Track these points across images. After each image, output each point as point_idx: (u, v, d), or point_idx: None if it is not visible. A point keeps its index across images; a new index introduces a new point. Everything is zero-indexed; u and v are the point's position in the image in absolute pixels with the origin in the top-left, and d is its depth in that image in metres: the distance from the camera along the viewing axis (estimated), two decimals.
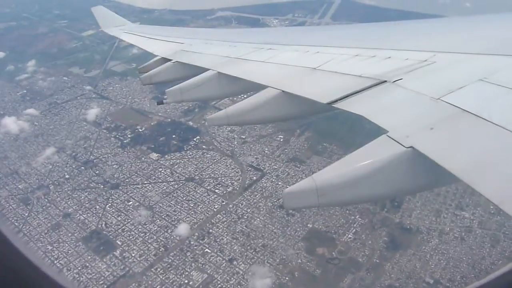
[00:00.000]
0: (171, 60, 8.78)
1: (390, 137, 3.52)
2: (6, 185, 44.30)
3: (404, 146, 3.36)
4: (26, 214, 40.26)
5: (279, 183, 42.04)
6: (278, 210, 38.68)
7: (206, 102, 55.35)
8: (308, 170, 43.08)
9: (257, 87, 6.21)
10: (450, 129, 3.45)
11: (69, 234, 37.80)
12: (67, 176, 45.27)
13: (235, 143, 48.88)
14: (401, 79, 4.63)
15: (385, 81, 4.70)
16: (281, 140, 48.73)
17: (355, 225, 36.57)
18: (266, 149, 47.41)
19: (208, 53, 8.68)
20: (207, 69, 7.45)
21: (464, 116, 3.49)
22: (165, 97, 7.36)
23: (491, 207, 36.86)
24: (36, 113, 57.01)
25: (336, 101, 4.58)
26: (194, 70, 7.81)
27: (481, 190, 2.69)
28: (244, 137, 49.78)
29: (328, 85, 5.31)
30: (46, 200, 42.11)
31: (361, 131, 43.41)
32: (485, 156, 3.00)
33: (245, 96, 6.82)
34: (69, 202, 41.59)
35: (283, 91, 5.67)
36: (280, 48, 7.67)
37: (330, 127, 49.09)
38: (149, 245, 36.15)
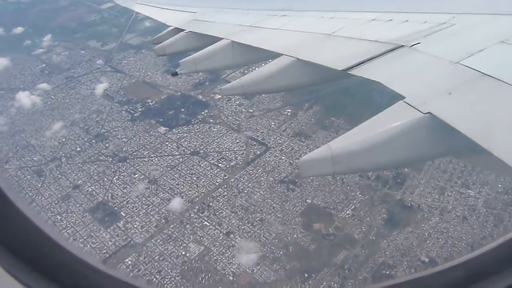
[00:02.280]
0: (184, 30, 8.78)
1: (407, 103, 3.51)
2: (22, 157, 46.47)
3: (421, 112, 3.34)
4: (39, 185, 42.28)
5: (282, 157, 41.90)
6: (279, 185, 38.77)
7: (217, 75, 55.42)
8: (313, 145, 42.58)
9: (272, 56, 6.25)
10: (469, 93, 3.40)
11: (77, 205, 39.52)
12: (78, 149, 46.92)
13: (242, 117, 48.77)
14: (419, 43, 4.56)
15: (403, 45, 4.64)
16: (289, 114, 48.17)
17: (354, 201, 36.18)
18: (273, 123, 47.07)
19: (221, 21, 8.71)
20: (220, 39, 7.45)
21: (484, 80, 3.41)
22: (179, 68, 7.53)
23: (499, 185, 35.44)
24: (48, 88, 58.63)
25: (351, 67, 4.59)
26: (207, 39, 7.82)
27: (501, 156, 2.65)
28: (251, 110, 49.54)
29: (343, 51, 5.34)
30: (58, 172, 43.99)
31: (372, 105, 42.55)
32: (505, 122, 2.96)
33: (259, 65, 6.90)
34: (79, 174, 43.26)
35: (297, 58, 5.68)
36: (293, 15, 7.60)
37: (339, 101, 48.13)
38: (151, 217, 37.33)
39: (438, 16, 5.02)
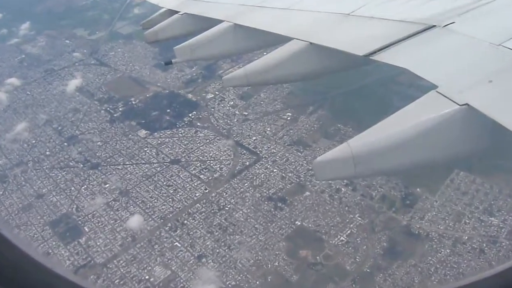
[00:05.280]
0: (179, 12, 8.79)
1: (440, 93, 3.54)
2: None
3: (457, 103, 3.36)
4: (0, 193, 44.20)
5: (274, 170, 42.06)
6: (266, 202, 38.95)
7: (212, 71, 56.35)
8: (311, 156, 42.47)
9: (280, 40, 6.32)
10: None
11: (38, 217, 41.08)
12: (48, 153, 48.74)
13: (235, 120, 49.30)
14: (453, 22, 4.52)
15: (434, 25, 4.59)
16: (288, 118, 48.30)
17: (351, 225, 35.87)
18: (269, 129, 47.33)
19: (221, 1, 8.68)
20: (221, 21, 7.53)
21: None
22: (173, 59, 7.65)
23: None
24: (23, 82, 61.20)
25: (374, 52, 4.60)
26: (205, 22, 7.91)
27: None
28: (246, 113, 50.00)
29: (364, 33, 5.34)
30: (23, 178, 45.87)
31: (389, 109, 42.13)
32: None
33: (266, 51, 7.13)
34: (45, 182, 44.97)
35: (310, 43, 5.71)
36: None
37: (350, 104, 47.94)
38: (116, 234, 38.33)
39: None
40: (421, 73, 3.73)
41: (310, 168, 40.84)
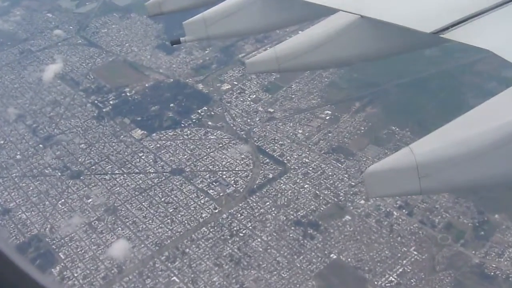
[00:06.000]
0: None
1: None
2: None
3: None
4: None
5: (305, 185, 41.78)
6: (293, 227, 38.73)
7: (230, 54, 56.56)
8: (355, 168, 42.09)
9: (321, 12, 6.41)
10: None
11: (1, 240, 41.71)
12: (18, 157, 49.74)
13: (257, 119, 49.22)
14: None
15: None
16: (327, 118, 47.90)
17: (405, 261, 35.34)
18: (300, 131, 47.08)
19: None
20: None
21: None
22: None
23: None
24: None
25: (445, 29, 4.63)
26: None
27: None
28: (272, 110, 49.89)
29: (432, 4, 5.37)
30: None
31: (461, 105, 41.32)
32: None
33: (301, 27, 7.24)
34: (13, 194, 45.96)
35: (361, 16, 5.79)
36: None
37: (408, 100, 47.20)
38: (99, 264, 38.78)
39: None
40: (508, 57, 3.73)
41: (353, 183, 40.53)
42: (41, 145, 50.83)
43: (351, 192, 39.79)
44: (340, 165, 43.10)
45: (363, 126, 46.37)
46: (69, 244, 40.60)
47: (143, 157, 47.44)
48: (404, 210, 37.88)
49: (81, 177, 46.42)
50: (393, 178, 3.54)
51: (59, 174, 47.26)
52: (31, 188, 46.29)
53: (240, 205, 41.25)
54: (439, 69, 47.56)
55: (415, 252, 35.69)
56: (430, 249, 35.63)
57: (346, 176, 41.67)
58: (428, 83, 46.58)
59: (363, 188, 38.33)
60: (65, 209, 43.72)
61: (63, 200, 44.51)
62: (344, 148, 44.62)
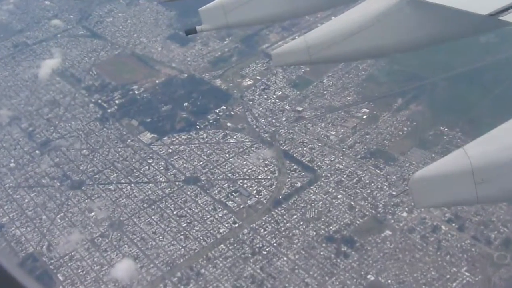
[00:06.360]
0: None
1: None
2: None
3: None
4: None
5: (339, 195, 41.63)
6: (324, 244, 38.51)
7: (252, 45, 56.63)
8: (397, 175, 41.85)
9: None
10: None
11: (2, 256, 42.40)
12: (12, 165, 50.45)
13: (283, 119, 49.25)
14: None
15: None
16: (364, 117, 47.70)
17: (455, 284, 34.98)
18: (333, 132, 46.97)
19: None
20: None
21: None
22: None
23: None
24: None
25: (505, 10, 4.71)
26: None
27: None
28: (300, 109, 49.86)
29: None
30: None
31: None
32: None
33: (333, 13, 7.33)
34: (6, 207, 46.65)
35: None
36: None
37: (459, 95, 46.62)
38: (102, 286, 39.29)
39: None
40: None
41: (394, 193, 40.17)
42: (37, 151, 51.67)
43: (392, 203, 39.55)
44: (379, 171, 42.94)
45: (406, 126, 46.24)
46: (69, 264, 41.12)
47: (153, 164, 47.80)
48: (454, 224, 37.49)
49: (83, 188, 46.99)
50: (445, 185, 3.50)
51: (58, 184, 47.95)
52: (26, 200, 47.05)
53: (264, 218, 41.33)
54: (496, 59, 46.83)
55: (467, 273, 35.32)
56: (485, 270, 35.21)
57: (386, 184, 41.49)
58: (482, 75, 46.08)
59: (406, 199, 38.28)
60: (64, 224, 44.28)
61: (62, 214, 45.13)
62: (383, 152, 44.51)
